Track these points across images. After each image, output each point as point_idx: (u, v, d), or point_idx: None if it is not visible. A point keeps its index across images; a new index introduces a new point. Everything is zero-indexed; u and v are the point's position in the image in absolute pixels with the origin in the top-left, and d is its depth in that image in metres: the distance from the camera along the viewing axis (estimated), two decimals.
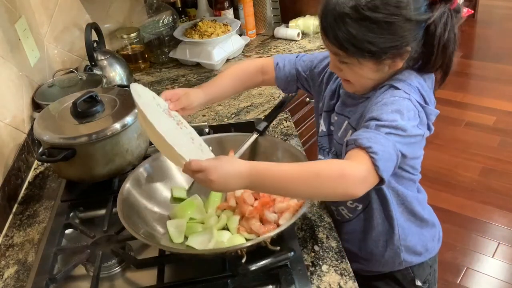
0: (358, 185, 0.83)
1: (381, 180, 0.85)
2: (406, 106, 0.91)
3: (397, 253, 1.12)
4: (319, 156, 1.16)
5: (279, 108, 1.31)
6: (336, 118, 1.09)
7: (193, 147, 1.00)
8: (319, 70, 1.16)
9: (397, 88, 0.94)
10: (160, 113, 1.00)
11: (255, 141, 1.17)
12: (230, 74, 1.23)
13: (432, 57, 0.94)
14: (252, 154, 1.16)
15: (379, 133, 0.86)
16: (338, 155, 1.10)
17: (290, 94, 1.29)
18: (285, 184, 0.84)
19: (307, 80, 1.20)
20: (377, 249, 1.13)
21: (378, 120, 0.88)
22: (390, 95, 0.93)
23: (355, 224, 1.13)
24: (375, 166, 0.83)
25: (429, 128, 0.96)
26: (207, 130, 1.37)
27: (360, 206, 1.10)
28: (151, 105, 0.99)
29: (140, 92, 0.99)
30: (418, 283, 1.17)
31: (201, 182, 0.85)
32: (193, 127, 1.09)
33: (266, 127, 1.23)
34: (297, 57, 1.21)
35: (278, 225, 0.99)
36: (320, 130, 1.15)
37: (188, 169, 0.86)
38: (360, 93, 1.01)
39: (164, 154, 0.96)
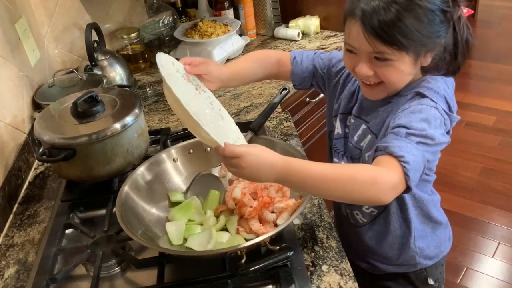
0: (389, 192, 0.83)
1: (407, 189, 0.85)
2: (433, 115, 0.91)
3: (412, 257, 1.13)
4: (334, 159, 1.15)
5: (272, 107, 1.31)
6: (352, 120, 1.08)
7: (214, 115, 0.98)
8: (337, 69, 1.15)
9: (424, 96, 0.93)
10: (181, 80, 0.98)
11: (254, 141, 1.17)
12: (252, 57, 1.23)
13: (458, 57, 0.95)
14: None
15: (410, 142, 0.86)
16: (354, 159, 1.09)
17: (283, 92, 1.28)
18: (317, 184, 0.84)
19: (323, 79, 1.18)
20: (392, 252, 1.13)
21: (407, 128, 0.88)
22: (417, 102, 0.93)
23: (371, 229, 1.13)
24: (406, 176, 0.83)
25: (448, 133, 0.96)
26: None
27: (376, 212, 1.10)
28: (173, 74, 0.97)
29: (163, 63, 0.97)
30: (431, 281, 1.17)
31: (232, 166, 0.84)
32: None
33: (261, 126, 1.23)
34: (315, 53, 1.20)
35: (276, 225, 0.99)
36: (335, 132, 1.14)
37: (222, 154, 0.84)
38: (384, 96, 1.00)
39: (189, 128, 0.92)
